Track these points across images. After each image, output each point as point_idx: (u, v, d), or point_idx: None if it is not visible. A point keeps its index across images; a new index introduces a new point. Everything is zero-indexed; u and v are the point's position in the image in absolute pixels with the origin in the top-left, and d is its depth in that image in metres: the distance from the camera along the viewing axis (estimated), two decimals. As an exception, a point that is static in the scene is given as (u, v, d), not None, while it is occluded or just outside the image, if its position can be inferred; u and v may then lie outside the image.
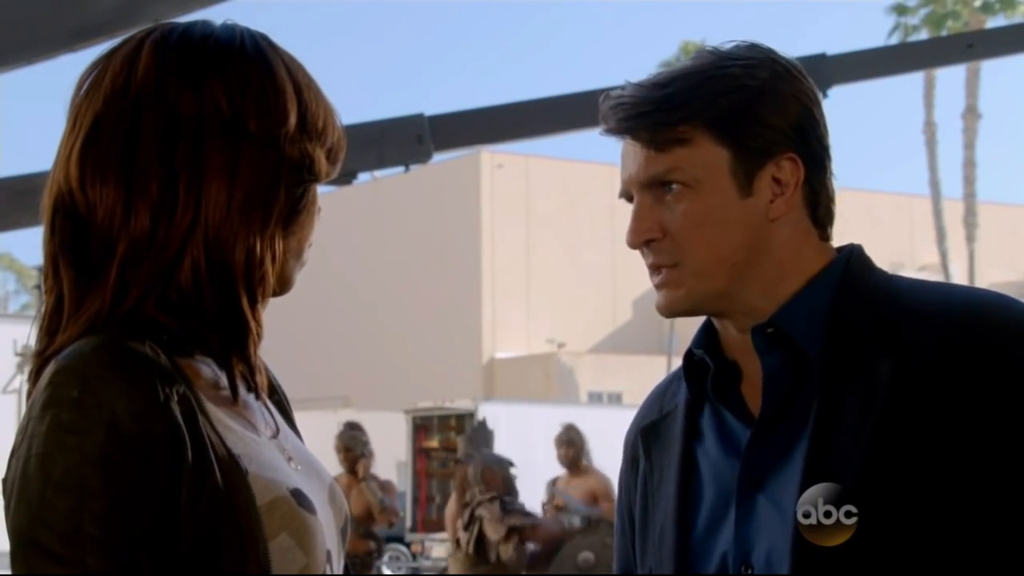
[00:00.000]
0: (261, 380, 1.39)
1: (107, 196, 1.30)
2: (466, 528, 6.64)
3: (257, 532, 1.25)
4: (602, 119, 1.56)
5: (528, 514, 6.62)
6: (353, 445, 8.68)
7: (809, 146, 1.54)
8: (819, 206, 1.55)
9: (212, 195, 1.29)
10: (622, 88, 1.55)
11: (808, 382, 1.48)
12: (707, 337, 1.59)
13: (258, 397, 1.39)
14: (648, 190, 1.53)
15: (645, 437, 1.66)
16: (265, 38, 1.38)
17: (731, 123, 1.50)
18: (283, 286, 1.38)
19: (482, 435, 8.26)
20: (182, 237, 1.29)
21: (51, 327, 1.32)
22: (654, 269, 1.53)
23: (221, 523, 1.23)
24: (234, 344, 1.32)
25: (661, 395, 1.70)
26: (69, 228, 1.32)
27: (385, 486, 8.77)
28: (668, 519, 1.57)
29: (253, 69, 1.33)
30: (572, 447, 9.03)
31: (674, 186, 1.51)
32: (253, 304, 1.32)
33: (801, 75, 1.56)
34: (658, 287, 1.54)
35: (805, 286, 1.52)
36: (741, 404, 1.55)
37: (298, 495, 1.31)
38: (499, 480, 6.60)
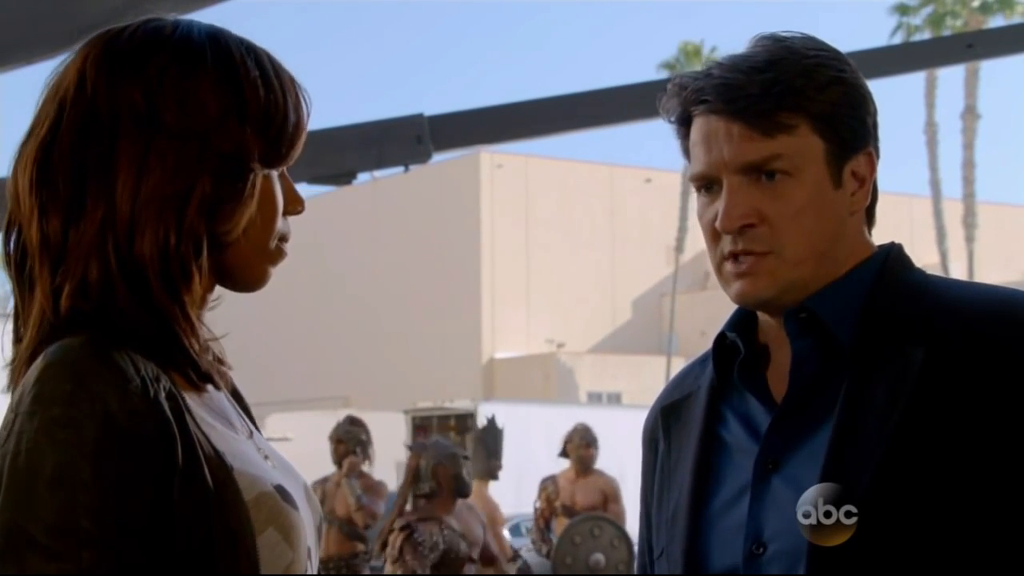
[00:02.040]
0: (222, 375, 1.38)
1: (26, 201, 1.31)
2: (390, 546, 6.38)
3: (246, 527, 1.25)
4: (686, 99, 1.53)
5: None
6: (346, 439, 8.38)
7: (877, 142, 1.56)
8: (875, 202, 1.58)
9: (119, 191, 1.28)
10: (703, 69, 1.53)
11: (836, 371, 1.49)
12: (741, 321, 1.58)
13: (231, 397, 1.40)
14: (743, 174, 1.50)
15: (665, 417, 1.66)
16: (210, 30, 1.35)
17: (832, 114, 1.50)
18: (250, 281, 1.36)
19: (491, 434, 8.20)
20: (94, 235, 1.28)
21: (16, 335, 1.33)
22: (741, 255, 1.50)
23: (211, 519, 1.23)
24: (164, 339, 1.30)
25: (683, 378, 1.69)
26: (12, 235, 1.33)
27: (372, 486, 8.40)
28: (683, 496, 1.57)
29: (173, 61, 1.31)
30: (594, 448, 8.97)
31: (774, 173, 1.49)
32: (174, 296, 1.30)
33: None
34: (741, 275, 1.51)
35: (844, 275, 1.52)
36: (765, 389, 1.54)
37: (282, 491, 1.31)
38: (450, 477, 6.48)
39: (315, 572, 1.37)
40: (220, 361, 1.39)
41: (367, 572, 8.37)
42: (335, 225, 34.89)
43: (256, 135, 1.33)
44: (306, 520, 1.35)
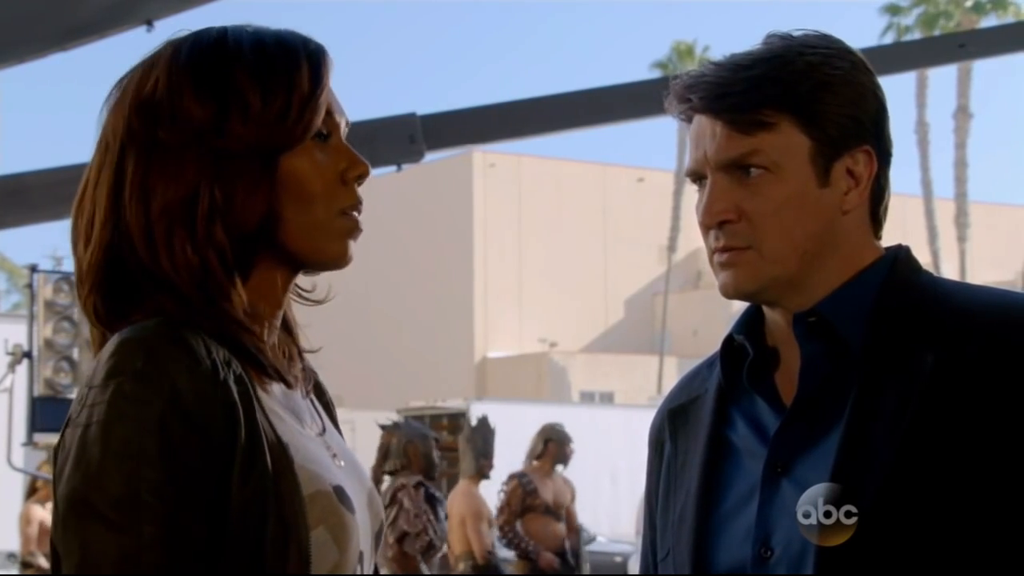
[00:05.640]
0: (293, 373, 1.41)
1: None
2: (387, 506, 6.55)
3: (300, 520, 1.27)
4: (676, 99, 1.55)
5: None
6: None
7: (882, 141, 1.55)
8: (881, 202, 1.57)
9: (130, 211, 1.32)
10: (699, 68, 1.55)
11: (846, 374, 1.49)
12: (749, 323, 1.59)
13: (305, 395, 1.43)
14: (725, 171, 1.51)
15: (672, 419, 1.66)
16: (195, 38, 1.37)
17: (815, 111, 1.50)
18: (324, 260, 1.41)
19: (482, 434, 8.22)
20: (102, 250, 1.33)
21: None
22: (723, 250, 1.52)
23: (267, 506, 1.25)
24: (221, 330, 1.32)
25: (691, 380, 1.69)
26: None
27: None
28: (690, 499, 1.57)
29: (160, 77, 1.34)
30: (568, 445, 8.89)
31: (753, 169, 1.50)
32: (222, 298, 1.32)
33: (871, 69, 1.56)
34: (724, 267, 1.52)
35: (852, 279, 1.53)
36: (774, 392, 1.55)
37: (340, 492, 1.33)
38: (420, 456, 6.60)
39: (367, 574, 1.39)
40: (295, 359, 1.44)
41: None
42: (327, 224, 34.73)
43: (257, 126, 1.33)
44: (362, 524, 1.37)
